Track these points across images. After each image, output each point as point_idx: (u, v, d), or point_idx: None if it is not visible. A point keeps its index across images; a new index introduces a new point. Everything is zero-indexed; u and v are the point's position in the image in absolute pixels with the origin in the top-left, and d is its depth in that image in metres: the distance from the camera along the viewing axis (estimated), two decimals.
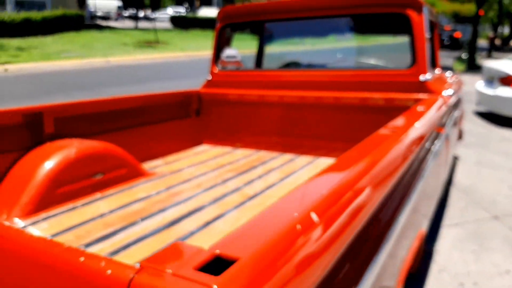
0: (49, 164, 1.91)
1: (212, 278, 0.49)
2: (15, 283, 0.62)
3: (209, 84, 3.27)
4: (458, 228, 2.98)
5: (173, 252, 0.57)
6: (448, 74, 3.60)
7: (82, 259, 0.56)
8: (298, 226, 0.66)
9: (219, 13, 3.23)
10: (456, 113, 3.18)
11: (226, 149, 3.10)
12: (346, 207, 0.81)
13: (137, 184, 2.23)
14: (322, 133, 2.80)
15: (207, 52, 16.87)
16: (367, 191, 0.91)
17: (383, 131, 1.40)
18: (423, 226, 1.76)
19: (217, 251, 0.56)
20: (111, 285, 0.52)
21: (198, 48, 19.93)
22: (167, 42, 21.67)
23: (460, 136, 4.16)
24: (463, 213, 3.24)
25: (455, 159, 4.65)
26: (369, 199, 0.92)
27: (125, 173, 2.28)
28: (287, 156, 2.84)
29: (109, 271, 0.53)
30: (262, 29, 3.60)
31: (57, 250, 0.60)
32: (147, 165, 2.60)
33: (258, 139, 3.05)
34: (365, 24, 3.12)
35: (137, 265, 0.53)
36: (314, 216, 0.71)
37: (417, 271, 2.38)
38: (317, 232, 0.69)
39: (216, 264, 0.54)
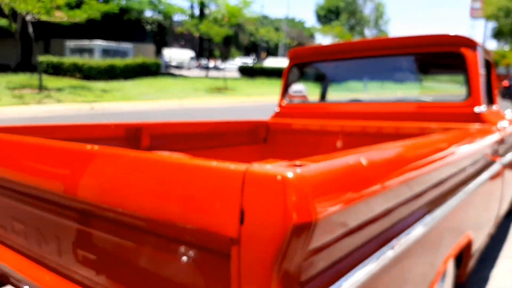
0: None
1: (297, 167, 0.82)
2: (172, 188, 0.97)
3: (277, 115, 3.65)
4: None
5: (268, 163, 0.90)
6: (508, 112, 3.71)
7: (214, 163, 0.90)
8: (350, 162, 0.97)
9: (289, 53, 3.66)
10: None
11: None
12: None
13: None
14: None
15: (271, 98, 17.59)
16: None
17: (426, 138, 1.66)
18: (466, 236, 1.92)
19: (296, 163, 0.89)
20: (234, 173, 0.85)
21: (263, 94, 20.84)
22: (234, 88, 22.86)
23: None
24: None
25: None
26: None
27: None
28: None
29: (232, 166, 0.86)
30: (327, 67, 3.97)
31: (195, 162, 0.94)
32: None
33: None
34: (424, 63, 3.38)
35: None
36: (363, 160, 1.01)
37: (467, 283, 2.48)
38: (362, 171, 1.00)
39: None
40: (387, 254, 1.10)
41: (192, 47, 43.93)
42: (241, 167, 0.85)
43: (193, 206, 0.91)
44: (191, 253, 0.96)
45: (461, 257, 2.01)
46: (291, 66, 3.63)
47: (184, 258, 0.98)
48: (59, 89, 15.74)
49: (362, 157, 1.03)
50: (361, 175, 1.00)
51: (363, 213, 1.00)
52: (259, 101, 18.49)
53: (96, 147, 1.18)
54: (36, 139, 1.41)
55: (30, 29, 14.79)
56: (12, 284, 1.63)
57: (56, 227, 1.36)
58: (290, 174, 0.79)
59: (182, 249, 0.98)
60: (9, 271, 1.56)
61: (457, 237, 1.76)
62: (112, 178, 1.11)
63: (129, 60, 22.53)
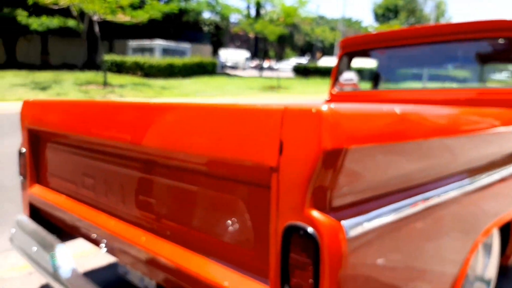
0: None
1: (332, 104, 0.92)
2: (224, 129, 1.10)
3: (327, 103, 3.71)
4: None
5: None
6: None
7: (259, 105, 1.02)
8: (384, 110, 1.06)
9: (341, 42, 3.71)
10: None
11: None
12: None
13: None
14: None
15: (323, 95, 17.52)
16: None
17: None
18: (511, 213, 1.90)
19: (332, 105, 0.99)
20: (275, 112, 0.97)
21: (316, 92, 20.78)
22: (287, 87, 22.96)
23: None
24: None
25: None
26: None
27: None
28: None
29: (274, 106, 0.98)
30: (378, 55, 3.97)
31: (243, 105, 1.07)
32: None
33: None
34: (479, 49, 3.31)
35: None
36: (397, 109, 1.09)
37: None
38: (394, 118, 1.08)
39: None
40: (418, 205, 1.17)
41: (248, 48, 44.51)
42: (280, 106, 0.97)
43: (241, 143, 1.04)
44: (239, 187, 1.10)
45: (508, 238, 1.99)
46: (342, 55, 3.68)
47: (234, 192, 1.12)
48: (121, 86, 16.62)
49: (397, 107, 1.11)
50: (394, 122, 1.08)
51: (394, 158, 1.08)
52: (311, 99, 18.47)
53: (156, 102, 1.34)
54: (104, 101, 1.60)
55: (97, 29, 15.73)
56: (83, 235, 1.84)
57: (121, 177, 1.54)
58: (324, 108, 0.89)
59: (232, 185, 1.11)
60: (80, 224, 1.77)
61: (501, 211, 1.77)
62: (173, 126, 1.26)
63: (187, 59, 23.31)
